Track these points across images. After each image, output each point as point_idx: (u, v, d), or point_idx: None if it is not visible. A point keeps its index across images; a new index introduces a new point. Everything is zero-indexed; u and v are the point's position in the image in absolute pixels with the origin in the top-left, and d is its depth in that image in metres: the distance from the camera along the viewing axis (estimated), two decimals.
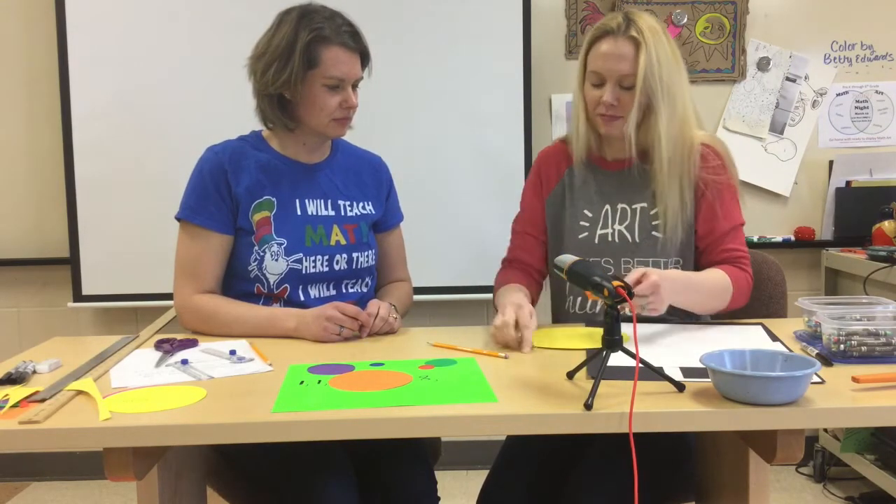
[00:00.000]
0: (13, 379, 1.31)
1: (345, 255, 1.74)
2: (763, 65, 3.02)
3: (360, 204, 1.81)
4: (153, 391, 1.25)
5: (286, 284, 1.69)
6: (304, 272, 1.70)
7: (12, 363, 1.41)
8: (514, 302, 1.52)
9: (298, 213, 1.72)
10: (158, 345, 1.53)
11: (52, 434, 1.10)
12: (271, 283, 1.68)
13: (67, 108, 2.86)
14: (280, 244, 1.68)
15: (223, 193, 1.69)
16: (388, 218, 1.89)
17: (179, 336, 1.62)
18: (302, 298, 1.70)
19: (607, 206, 1.73)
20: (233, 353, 1.45)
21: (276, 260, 1.67)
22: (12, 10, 2.93)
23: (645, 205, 1.71)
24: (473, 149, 2.90)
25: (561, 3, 3.00)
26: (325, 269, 1.72)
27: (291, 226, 1.70)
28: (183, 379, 1.31)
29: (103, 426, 1.09)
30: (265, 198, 1.70)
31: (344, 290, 1.77)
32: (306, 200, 1.73)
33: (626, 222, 1.71)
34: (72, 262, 2.91)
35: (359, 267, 1.77)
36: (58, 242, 2.97)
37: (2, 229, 3.01)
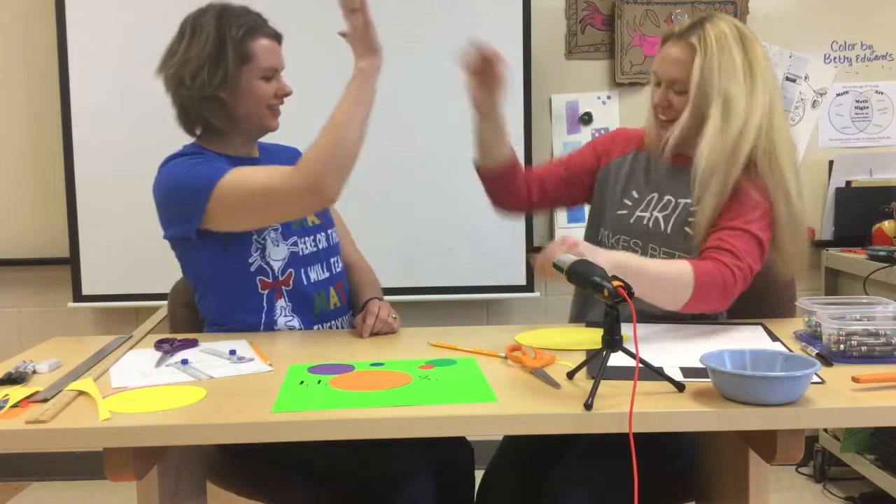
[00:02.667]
0: (13, 379, 1.31)
1: (322, 234, 1.79)
2: None
3: None
4: (153, 391, 1.25)
5: (290, 269, 1.70)
6: (301, 254, 1.73)
7: (12, 363, 1.41)
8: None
9: None
10: (158, 345, 1.53)
11: (53, 434, 1.10)
12: (276, 269, 1.69)
13: (67, 108, 2.86)
14: (276, 230, 1.70)
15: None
16: None
17: (179, 336, 1.62)
18: (305, 283, 1.72)
19: (654, 195, 1.72)
20: (233, 353, 1.45)
21: (277, 245, 1.69)
22: (12, 10, 2.93)
23: (689, 201, 1.66)
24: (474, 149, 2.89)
25: (561, 3, 3.00)
26: (315, 248, 1.76)
27: None
28: (183, 379, 1.31)
29: (103, 426, 1.09)
30: None
31: (333, 270, 1.80)
32: None
33: (666, 212, 1.69)
34: (72, 262, 2.91)
35: (334, 243, 1.83)
36: (58, 242, 2.97)
37: (2, 229, 3.01)
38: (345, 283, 1.84)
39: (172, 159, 1.71)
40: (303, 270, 1.72)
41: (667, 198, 1.70)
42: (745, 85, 1.58)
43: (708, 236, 1.59)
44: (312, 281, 1.74)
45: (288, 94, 1.73)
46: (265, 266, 1.69)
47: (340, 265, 1.84)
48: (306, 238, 1.75)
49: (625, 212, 1.73)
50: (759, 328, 1.58)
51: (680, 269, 1.48)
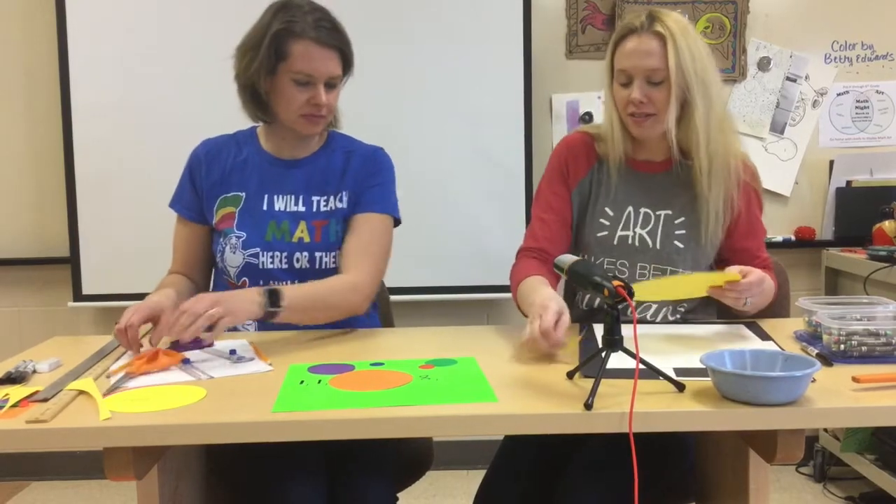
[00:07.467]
0: (13, 378, 1.31)
1: (306, 254, 1.70)
2: (763, 64, 3.02)
3: (338, 197, 1.74)
4: (153, 391, 1.25)
5: (245, 278, 1.71)
6: (261, 267, 1.69)
7: (12, 363, 1.41)
8: (540, 303, 1.40)
9: (265, 208, 1.72)
10: None
11: (53, 434, 1.10)
12: (232, 274, 1.72)
13: (68, 108, 2.86)
14: (239, 237, 1.70)
15: (196, 185, 1.77)
16: (358, 204, 1.73)
17: None
18: None
19: (630, 208, 1.69)
20: (233, 352, 1.45)
21: (234, 252, 1.70)
22: (12, 9, 2.93)
23: (670, 212, 1.67)
24: (473, 149, 2.90)
25: (561, 3, 3.00)
26: (285, 265, 1.69)
27: (254, 220, 1.71)
28: (183, 379, 1.31)
29: (103, 426, 1.09)
30: (233, 193, 1.73)
31: None
32: (275, 196, 1.73)
33: (649, 227, 1.67)
34: (72, 262, 2.91)
35: (323, 267, 1.70)
36: (58, 242, 2.97)
37: (2, 229, 3.01)
38: None
39: (199, 145, 1.80)
40: (261, 282, 1.66)
41: (643, 211, 1.69)
42: (712, 68, 1.62)
43: (750, 254, 1.69)
44: None
45: (321, 104, 1.64)
46: (224, 267, 1.72)
47: None
48: (276, 253, 1.68)
49: (605, 233, 1.69)
50: (744, 327, 1.59)
51: (772, 285, 1.60)
